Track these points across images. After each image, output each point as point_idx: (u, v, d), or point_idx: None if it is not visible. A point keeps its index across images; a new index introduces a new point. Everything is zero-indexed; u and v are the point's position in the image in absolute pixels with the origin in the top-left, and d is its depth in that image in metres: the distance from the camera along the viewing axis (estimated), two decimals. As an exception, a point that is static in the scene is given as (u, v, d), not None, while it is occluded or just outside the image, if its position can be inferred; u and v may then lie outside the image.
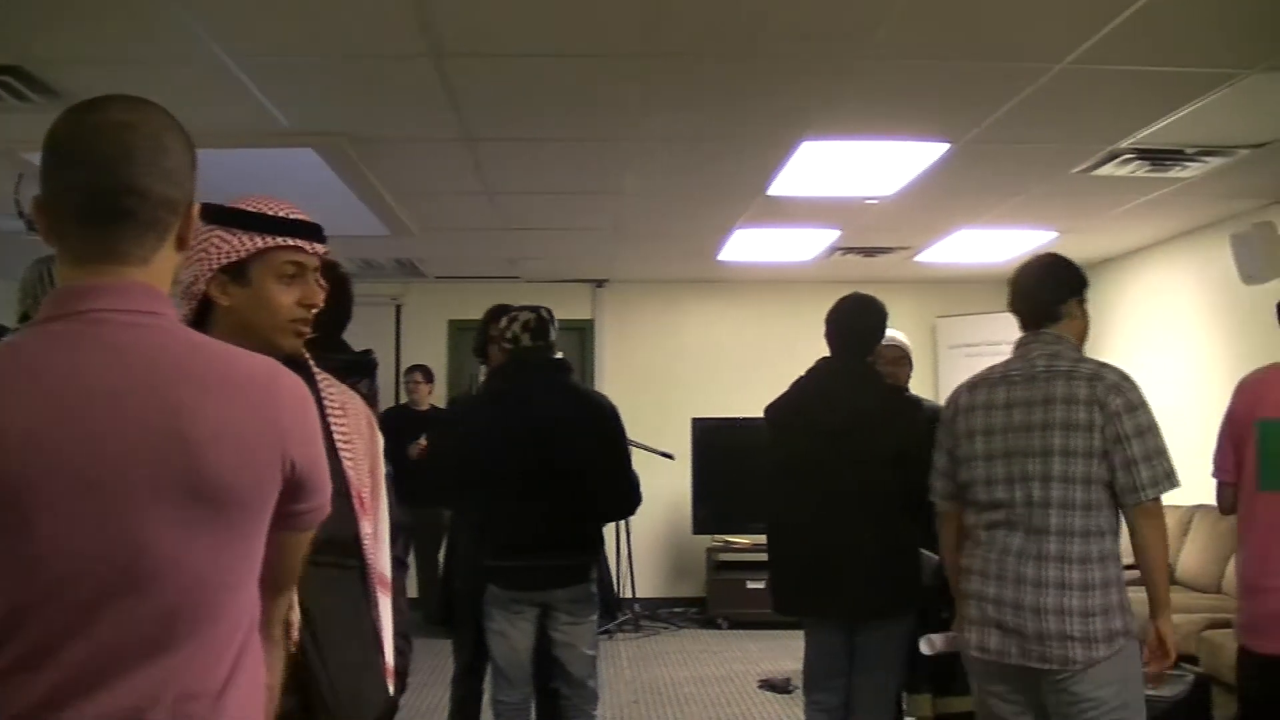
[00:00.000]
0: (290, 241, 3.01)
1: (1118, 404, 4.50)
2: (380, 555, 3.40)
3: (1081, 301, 4.89)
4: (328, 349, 4.51)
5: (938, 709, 5.99)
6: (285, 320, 3.00)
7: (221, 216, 2.98)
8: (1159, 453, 4.46)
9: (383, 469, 3.43)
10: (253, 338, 2.84)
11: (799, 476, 5.93)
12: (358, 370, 4.56)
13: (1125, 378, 4.57)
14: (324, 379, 3.18)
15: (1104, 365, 4.66)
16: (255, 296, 2.97)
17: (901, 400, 6.09)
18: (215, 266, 2.94)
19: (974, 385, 5.09)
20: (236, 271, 2.95)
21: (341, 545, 3.22)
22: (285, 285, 3.00)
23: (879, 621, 5.81)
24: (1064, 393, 4.64)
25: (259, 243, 2.96)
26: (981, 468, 4.80)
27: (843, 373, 5.98)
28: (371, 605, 3.38)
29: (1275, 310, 4.89)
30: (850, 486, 5.75)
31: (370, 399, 4.65)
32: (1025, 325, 5.04)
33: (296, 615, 2.86)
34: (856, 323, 6.03)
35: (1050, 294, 4.94)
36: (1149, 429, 4.47)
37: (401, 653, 3.63)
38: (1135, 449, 4.45)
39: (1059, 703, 4.53)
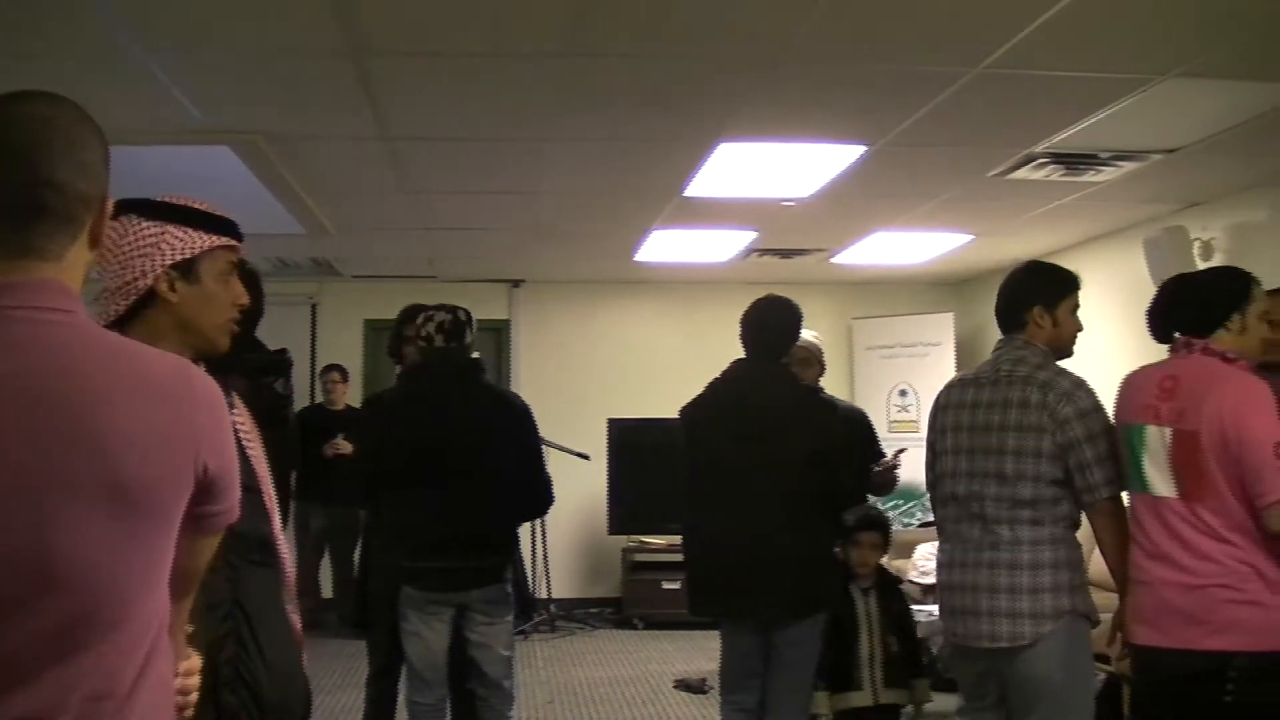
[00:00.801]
0: (231, 241, 3.08)
1: (1067, 411, 4.88)
2: (288, 552, 3.42)
3: (1050, 309, 5.14)
4: (243, 347, 4.49)
5: (835, 704, 6.03)
6: (226, 319, 3.05)
7: (174, 214, 3.01)
8: (1106, 458, 4.84)
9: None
10: (194, 335, 2.94)
11: (713, 478, 5.94)
12: (274, 369, 4.54)
13: (1079, 385, 4.94)
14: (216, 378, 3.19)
15: (1061, 373, 5.01)
16: (203, 294, 3.01)
17: (816, 401, 6.12)
18: (168, 262, 2.96)
19: (953, 384, 5.47)
20: (187, 269, 2.97)
21: (263, 543, 3.24)
22: (224, 284, 3.04)
23: (794, 622, 5.83)
24: (1019, 397, 5.02)
25: (209, 241, 2.99)
26: (950, 462, 5.29)
27: (757, 374, 6.00)
28: (289, 601, 3.41)
29: (1145, 318, 4.96)
30: (764, 487, 5.76)
31: (286, 398, 4.63)
32: (1001, 331, 5.32)
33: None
34: (771, 324, 6.05)
35: (1014, 302, 5.22)
36: (1100, 433, 4.86)
37: None
38: (1088, 452, 4.85)
39: (1014, 679, 4.98)
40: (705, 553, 6.01)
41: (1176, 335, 4.81)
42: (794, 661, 5.88)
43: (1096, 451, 4.85)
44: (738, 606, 5.91)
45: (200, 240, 2.99)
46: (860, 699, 6.02)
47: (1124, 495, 4.89)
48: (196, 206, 3.05)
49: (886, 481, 6.94)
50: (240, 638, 3.24)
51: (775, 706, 5.93)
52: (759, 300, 6.13)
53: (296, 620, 3.47)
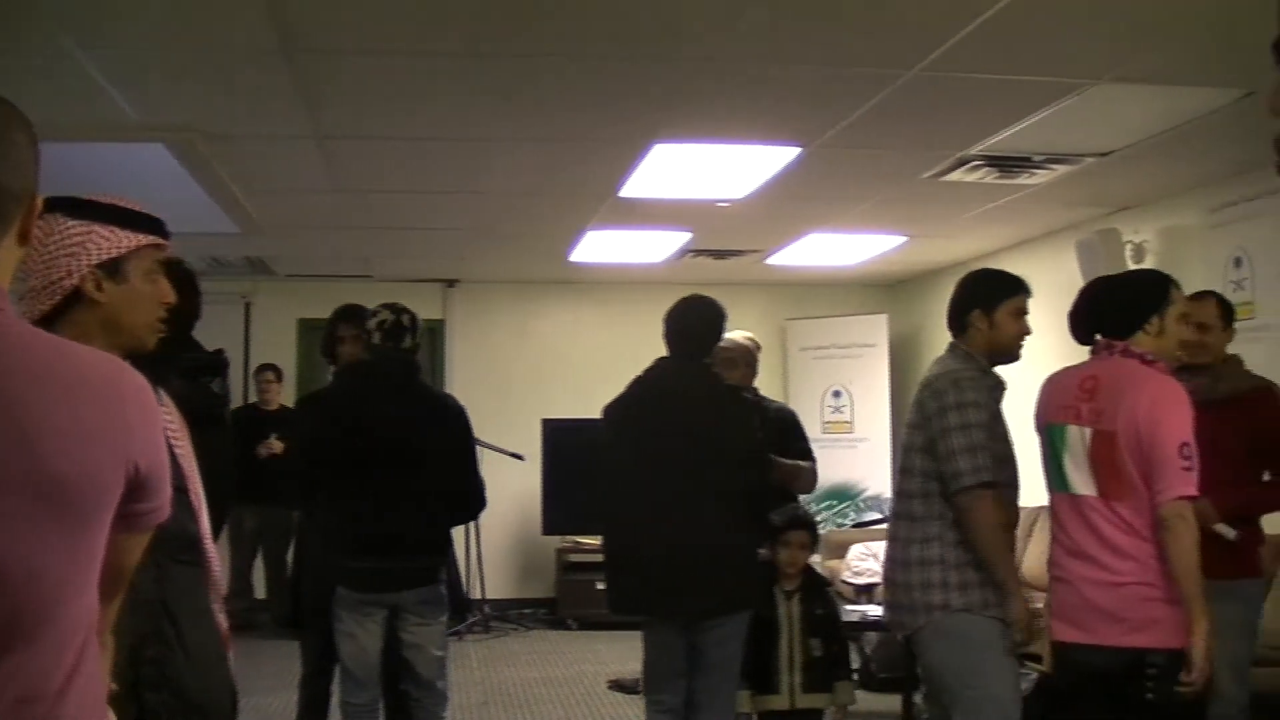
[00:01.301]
0: (158, 239, 3.05)
1: (934, 406, 5.11)
2: (214, 551, 3.41)
3: (989, 313, 5.26)
4: (179, 348, 4.48)
5: (756, 705, 6.04)
6: (153, 318, 3.02)
7: (100, 213, 2.98)
8: (968, 450, 4.99)
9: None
10: (122, 334, 2.91)
11: (635, 476, 5.94)
12: (210, 369, 4.52)
13: (955, 384, 5.10)
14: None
15: (945, 373, 5.19)
16: (130, 293, 2.98)
17: (737, 400, 6.12)
18: (94, 261, 2.94)
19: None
20: (113, 268, 2.94)
21: (190, 542, 3.22)
22: (151, 283, 3.01)
23: (717, 620, 5.83)
24: (916, 398, 5.29)
25: (137, 240, 2.97)
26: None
27: (679, 373, 6.01)
28: (215, 600, 3.39)
29: (1067, 319, 5.04)
30: (686, 485, 5.77)
31: (223, 398, 4.61)
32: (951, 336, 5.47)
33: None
34: (692, 323, 6.06)
35: (956, 308, 5.38)
36: (959, 427, 5.02)
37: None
38: (942, 446, 5.04)
39: (922, 667, 5.36)
40: (627, 551, 6.01)
41: (1098, 337, 4.88)
42: (719, 661, 5.88)
43: (949, 446, 5.01)
44: (662, 605, 5.90)
45: (127, 239, 2.96)
46: (777, 703, 6.02)
47: (990, 489, 5.02)
48: (123, 205, 3.02)
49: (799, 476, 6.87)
50: (164, 637, 3.23)
51: (702, 707, 5.94)
52: (681, 299, 6.14)
53: (223, 620, 3.46)
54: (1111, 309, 4.89)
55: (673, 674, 5.98)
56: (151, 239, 3.03)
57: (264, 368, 12.54)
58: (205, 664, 3.29)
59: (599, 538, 12.34)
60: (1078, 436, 4.73)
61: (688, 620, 5.87)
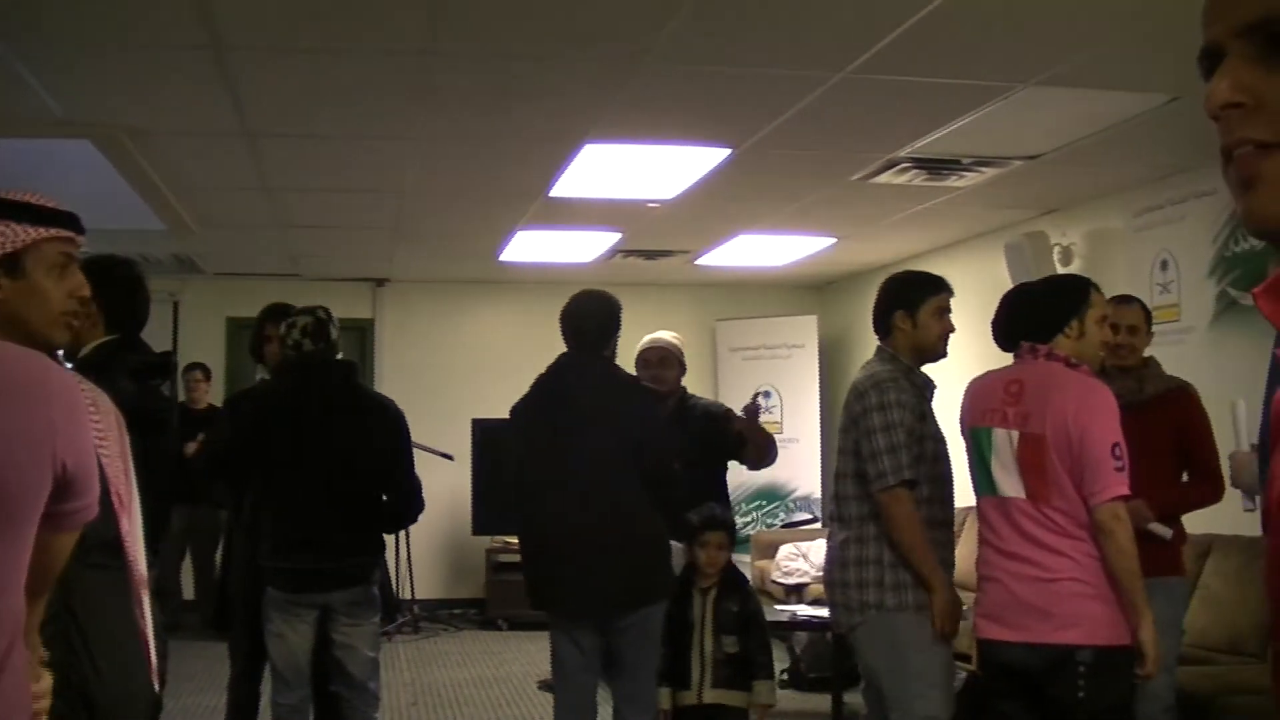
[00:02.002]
0: (62, 233, 2.96)
1: (857, 408, 5.24)
2: (139, 553, 3.37)
3: (911, 313, 5.36)
4: (127, 349, 4.45)
5: (676, 701, 6.02)
6: (58, 313, 2.94)
7: None
8: (890, 449, 5.10)
9: (133, 468, 3.38)
10: (23, 331, 2.80)
11: (539, 472, 5.96)
12: (160, 372, 4.49)
13: (876, 385, 5.21)
14: (76, 374, 3.10)
15: (868, 376, 5.30)
16: (29, 289, 2.89)
17: (637, 392, 6.13)
18: None
19: None
20: (10, 264, 2.87)
21: (107, 546, 3.19)
22: (57, 277, 2.94)
23: (629, 614, 5.83)
24: (845, 401, 5.41)
25: (34, 234, 2.89)
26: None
27: (578, 368, 6.02)
28: (135, 604, 3.35)
29: (991, 327, 5.11)
30: (588, 480, 5.78)
31: (170, 401, 4.57)
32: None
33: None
34: (586, 318, 6.08)
35: (880, 310, 5.49)
36: (882, 428, 5.13)
37: (161, 655, 3.60)
38: (867, 446, 5.15)
39: (860, 664, 5.46)
40: (537, 549, 6.03)
41: (1022, 342, 4.94)
42: (638, 663, 5.86)
43: (874, 446, 5.12)
44: (571, 601, 5.90)
45: (23, 234, 2.87)
46: (685, 698, 6.01)
47: (909, 488, 5.14)
48: (20, 199, 2.93)
49: (754, 434, 6.90)
50: (69, 641, 3.20)
51: (625, 710, 5.96)
52: (575, 295, 6.18)
53: (145, 624, 3.42)
54: (1031, 314, 4.97)
55: (582, 671, 5.98)
56: (53, 232, 2.93)
57: (192, 366, 12.44)
58: (116, 668, 3.25)
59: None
60: (1005, 440, 4.79)
61: (599, 617, 5.87)
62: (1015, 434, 4.74)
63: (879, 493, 5.10)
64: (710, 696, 5.94)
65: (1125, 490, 4.54)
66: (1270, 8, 1.22)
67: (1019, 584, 4.69)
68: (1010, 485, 4.75)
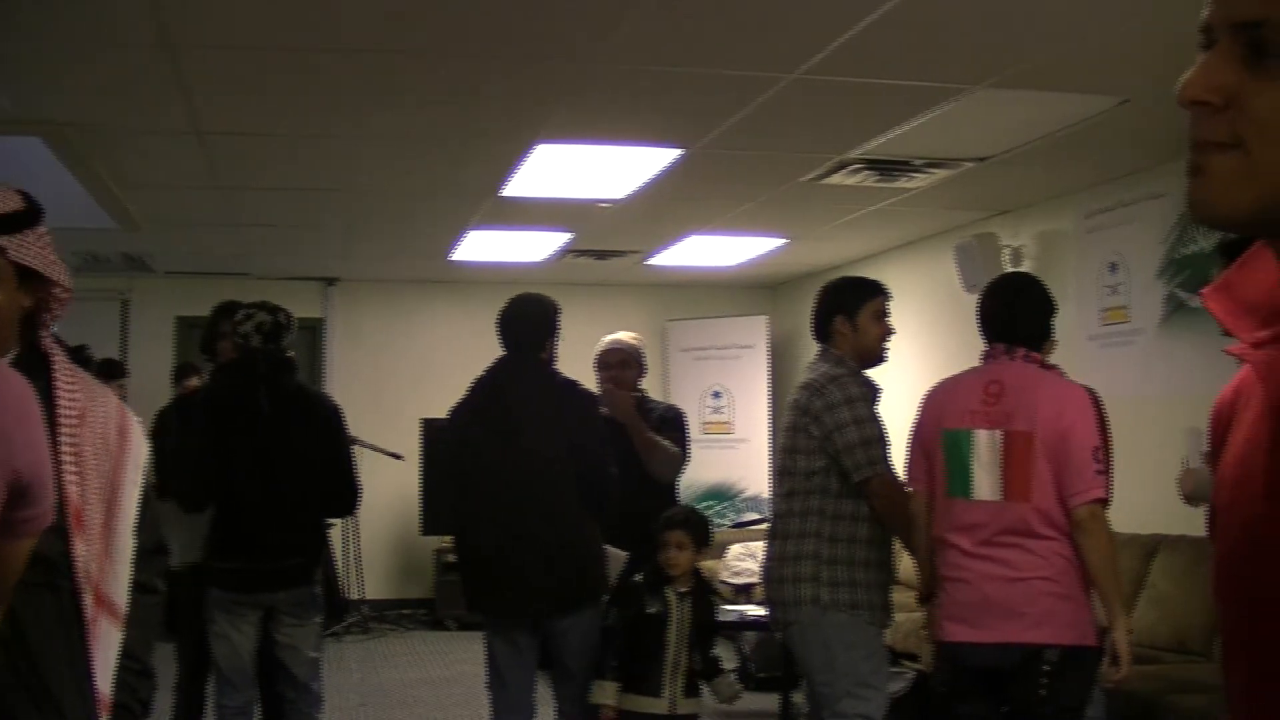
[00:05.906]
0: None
1: (818, 405, 5.22)
2: (110, 579, 3.22)
3: (851, 318, 5.39)
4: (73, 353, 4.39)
5: (623, 704, 5.91)
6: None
7: None
8: (863, 443, 5.14)
9: (134, 483, 3.24)
10: None
11: (476, 475, 5.93)
12: (113, 374, 4.43)
13: (833, 381, 5.25)
14: (70, 382, 2.98)
15: (823, 374, 5.32)
16: None
17: (573, 394, 6.09)
18: None
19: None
20: None
21: (51, 564, 3.09)
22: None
23: (565, 617, 5.81)
24: (791, 401, 5.43)
25: None
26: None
27: (514, 370, 6.01)
28: (84, 631, 3.22)
29: (988, 322, 5.10)
30: (523, 482, 5.76)
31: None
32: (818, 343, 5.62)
33: None
34: (523, 319, 6.08)
35: (819, 315, 5.53)
36: (853, 422, 5.16)
37: (131, 688, 3.47)
38: (840, 440, 5.15)
39: (796, 661, 5.53)
40: (472, 552, 6.01)
41: (994, 343, 4.97)
42: (579, 668, 5.83)
43: (846, 439, 5.14)
44: (507, 603, 5.88)
45: None
46: (655, 706, 5.89)
47: (888, 475, 5.21)
48: None
49: (656, 449, 6.71)
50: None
51: (561, 701, 5.98)
52: (511, 298, 6.18)
53: (108, 651, 3.28)
54: (1036, 317, 5.03)
55: (520, 669, 5.96)
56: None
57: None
58: (46, 697, 3.15)
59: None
60: (987, 440, 4.78)
61: (535, 618, 5.86)
62: (999, 433, 4.75)
63: (866, 483, 5.13)
64: (685, 707, 5.90)
65: (1105, 493, 4.61)
66: (1270, 10, 1.22)
67: (988, 583, 4.70)
68: (988, 486, 4.76)
